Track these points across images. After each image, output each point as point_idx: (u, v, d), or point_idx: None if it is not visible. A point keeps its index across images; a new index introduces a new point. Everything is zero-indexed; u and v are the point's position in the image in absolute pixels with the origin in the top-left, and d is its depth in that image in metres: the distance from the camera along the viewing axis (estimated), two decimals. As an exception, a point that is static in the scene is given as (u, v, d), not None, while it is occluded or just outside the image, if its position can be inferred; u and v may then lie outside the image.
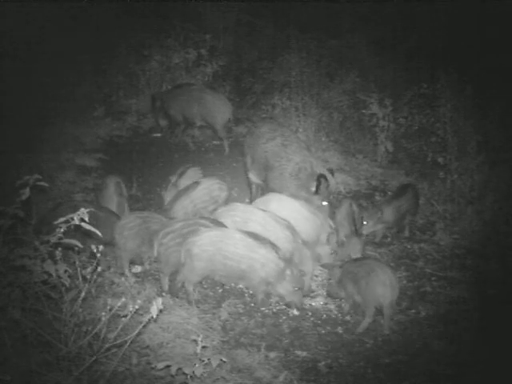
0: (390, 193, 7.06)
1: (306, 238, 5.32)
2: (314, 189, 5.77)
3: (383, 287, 4.79)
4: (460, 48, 7.89)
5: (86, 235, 3.86)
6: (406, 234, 6.28)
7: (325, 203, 5.77)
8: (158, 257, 5.13)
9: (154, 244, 5.11)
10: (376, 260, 5.33)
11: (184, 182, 6.14)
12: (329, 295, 5.21)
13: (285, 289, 4.93)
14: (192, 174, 6.30)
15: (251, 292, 5.17)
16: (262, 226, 5.20)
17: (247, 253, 4.89)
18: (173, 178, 6.20)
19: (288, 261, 4.97)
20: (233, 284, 5.30)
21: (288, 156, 5.97)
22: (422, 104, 7.81)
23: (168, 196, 6.08)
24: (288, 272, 4.90)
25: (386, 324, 4.83)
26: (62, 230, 3.30)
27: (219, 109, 7.87)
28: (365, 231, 5.88)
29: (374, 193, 7.19)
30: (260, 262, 4.88)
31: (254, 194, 6.52)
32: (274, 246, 4.96)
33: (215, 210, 6.01)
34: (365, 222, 5.94)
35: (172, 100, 8.13)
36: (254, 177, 6.43)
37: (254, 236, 4.99)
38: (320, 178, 5.71)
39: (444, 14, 8.88)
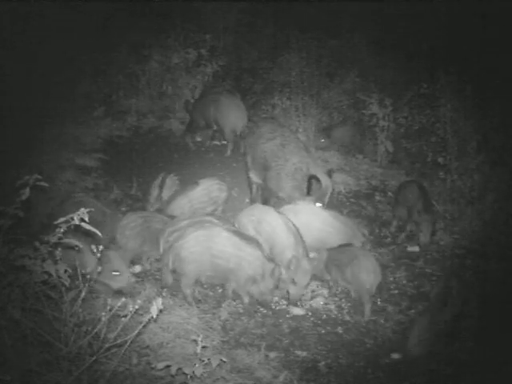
0: (389, 193, 7.07)
1: None
2: (305, 190, 5.76)
3: (367, 273, 4.98)
4: (460, 48, 7.88)
5: (87, 235, 3.86)
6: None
7: (318, 205, 5.75)
8: (163, 254, 5.13)
9: (159, 242, 5.12)
10: (358, 247, 5.38)
11: (166, 192, 6.10)
12: (316, 276, 5.33)
13: (265, 287, 4.96)
14: (170, 183, 6.23)
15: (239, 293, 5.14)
16: (271, 228, 5.25)
17: (235, 251, 4.93)
18: (154, 191, 6.15)
19: (272, 260, 4.99)
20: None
21: (285, 156, 5.96)
22: (422, 104, 7.80)
23: (151, 207, 6.05)
24: (271, 271, 4.92)
25: (367, 309, 5.01)
26: (61, 230, 3.30)
27: (231, 112, 7.81)
28: None
29: (374, 193, 7.18)
30: (247, 260, 4.93)
31: (254, 193, 6.52)
32: (259, 245, 5.01)
33: (215, 210, 6.04)
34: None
35: (195, 104, 8.26)
36: (254, 176, 6.43)
37: (239, 234, 5.05)
38: (311, 179, 5.69)
39: (444, 14, 8.88)
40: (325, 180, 5.81)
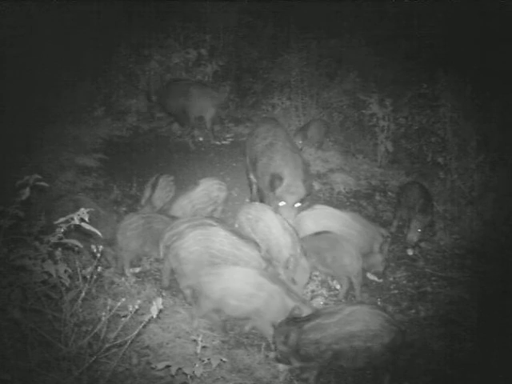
0: (389, 193, 7.07)
1: (360, 249, 5.33)
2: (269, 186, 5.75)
3: (350, 257, 5.11)
4: (460, 48, 7.88)
5: (86, 235, 3.86)
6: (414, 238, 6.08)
7: (282, 203, 5.63)
8: (163, 258, 5.12)
9: (159, 245, 5.11)
10: (337, 234, 5.37)
11: (159, 193, 6.10)
12: None
13: None
14: (164, 183, 6.20)
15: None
16: (268, 228, 5.24)
17: (232, 250, 4.92)
18: (146, 192, 6.13)
19: (269, 260, 4.99)
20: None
21: (270, 155, 5.96)
22: (421, 104, 7.79)
23: (141, 208, 6.03)
24: (269, 270, 4.92)
25: (357, 292, 5.16)
26: (62, 230, 3.30)
27: (204, 101, 7.98)
28: None
29: (374, 193, 7.18)
30: (244, 260, 4.91)
31: (254, 193, 6.52)
32: (256, 245, 5.01)
33: (214, 210, 6.04)
34: None
35: (166, 95, 8.36)
36: (253, 177, 6.42)
37: (237, 234, 5.05)
38: (273, 176, 5.67)
39: (444, 14, 8.88)
40: (294, 180, 5.72)
